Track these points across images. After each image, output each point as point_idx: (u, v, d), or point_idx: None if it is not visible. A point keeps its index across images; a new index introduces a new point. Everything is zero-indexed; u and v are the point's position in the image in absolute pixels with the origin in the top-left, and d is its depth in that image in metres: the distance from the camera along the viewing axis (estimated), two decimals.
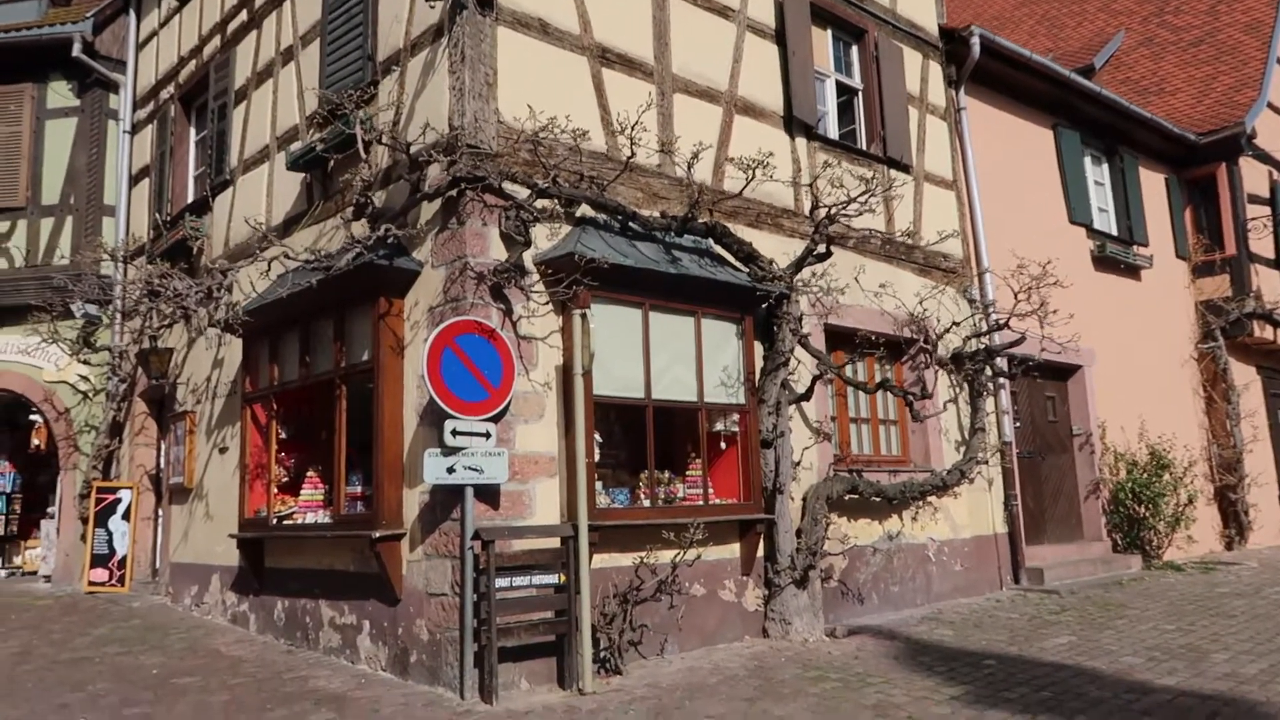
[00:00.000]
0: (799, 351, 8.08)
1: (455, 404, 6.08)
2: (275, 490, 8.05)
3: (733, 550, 7.62)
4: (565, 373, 6.69)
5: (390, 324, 6.83)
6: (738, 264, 7.91)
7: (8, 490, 13.36)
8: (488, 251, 6.52)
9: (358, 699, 6.08)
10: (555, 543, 6.36)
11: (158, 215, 10.93)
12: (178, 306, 8.62)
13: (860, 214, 7.93)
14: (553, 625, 6.26)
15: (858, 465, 8.88)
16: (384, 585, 6.68)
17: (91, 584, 10.95)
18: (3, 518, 13.24)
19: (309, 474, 7.98)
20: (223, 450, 9.12)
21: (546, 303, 6.74)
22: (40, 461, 13.02)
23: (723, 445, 7.78)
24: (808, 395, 8.11)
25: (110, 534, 11.01)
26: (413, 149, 6.62)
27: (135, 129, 12.09)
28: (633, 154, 6.88)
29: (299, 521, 7.72)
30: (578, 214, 7.06)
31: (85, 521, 11.16)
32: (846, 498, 8.38)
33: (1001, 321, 9.63)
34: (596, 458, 6.77)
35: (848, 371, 8.56)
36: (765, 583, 7.75)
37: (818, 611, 7.72)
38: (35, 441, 12.53)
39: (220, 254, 9.52)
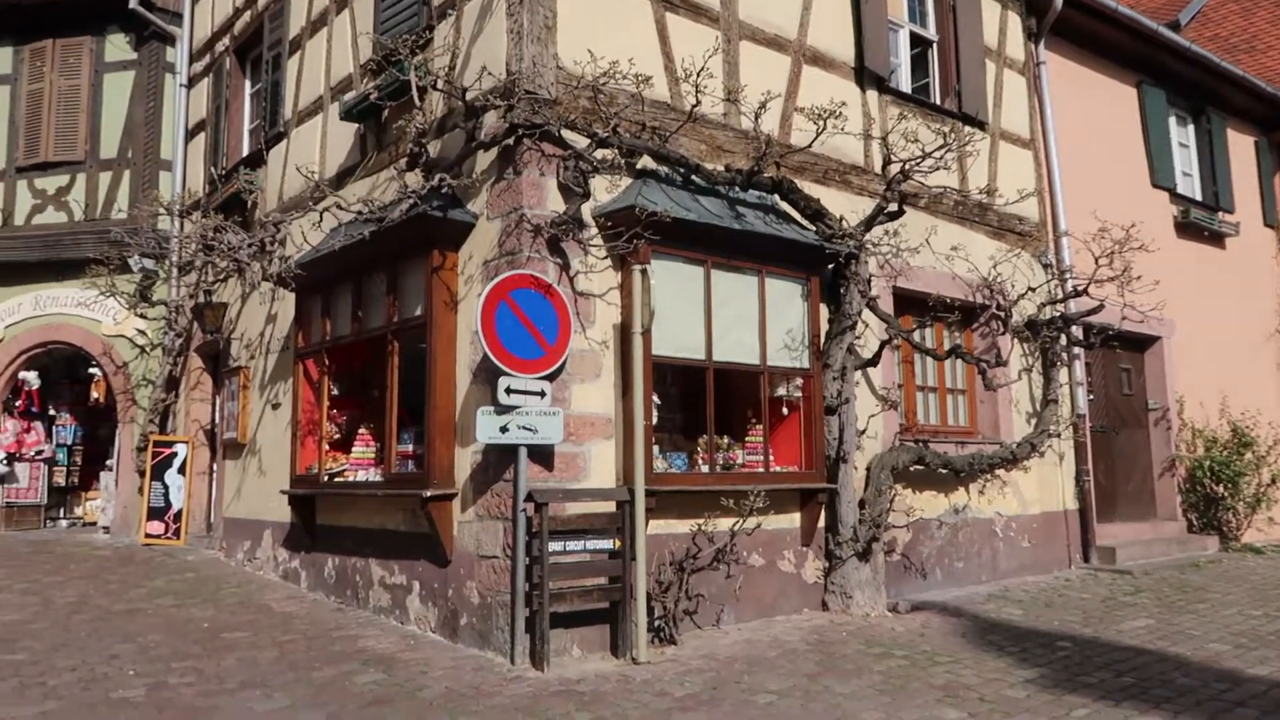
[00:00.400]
0: (866, 315, 7.72)
1: (510, 361, 5.86)
2: (327, 447, 7.94)
3: (793, 520, 7.34)
4: (623, 331, 6.43)
5: (443, 278, 6.62)
6: (804, 222, 7.55)
7: (69, 442, 13.52)
8: (545, 203, 6.26)
9: (406, 660, 5.94)
10: (610, 507, 6.13)
11: (213, 169, 10.84)
12: (231, 260, 8.52)
13: (935, 170, 7.50)
14: (606, 592, 6.05)
15: (924, 435, 8.52)
16: (434, 546, 6.52)
17: (148, 536, 11.04)
18: (64, 469, 13.40)
19: (361, 431, 7.85)
20: (275, 406, 9.04)
21: (605, 258, 6.46)
22: (100, 414, 13.15)
23: (784, 411, 7.47)
24: (875, 361, 7.76)
25: (166, 487, 11.07)
26: (469, 95, 6.36)
27: (191, 82, 12.00)
28: (697, 102, 6.54)
29: (350, 479, 7.60)
30: (638, 166, 6.76)
31: (142, 475, 11.24)
32: (912, 469, 8.04)
33: (1080, 288, 9.14)
34: (654, 420, 6.50)
35: (914, 338, 8.17)
36: (826, 554, 7.47)
37: (880, 585, 7.42)
38: (94, 395, 12.64)
39: (274, 207, 9.39)
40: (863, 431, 7.72)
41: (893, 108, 8.72)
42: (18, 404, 12.80)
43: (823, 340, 7.50)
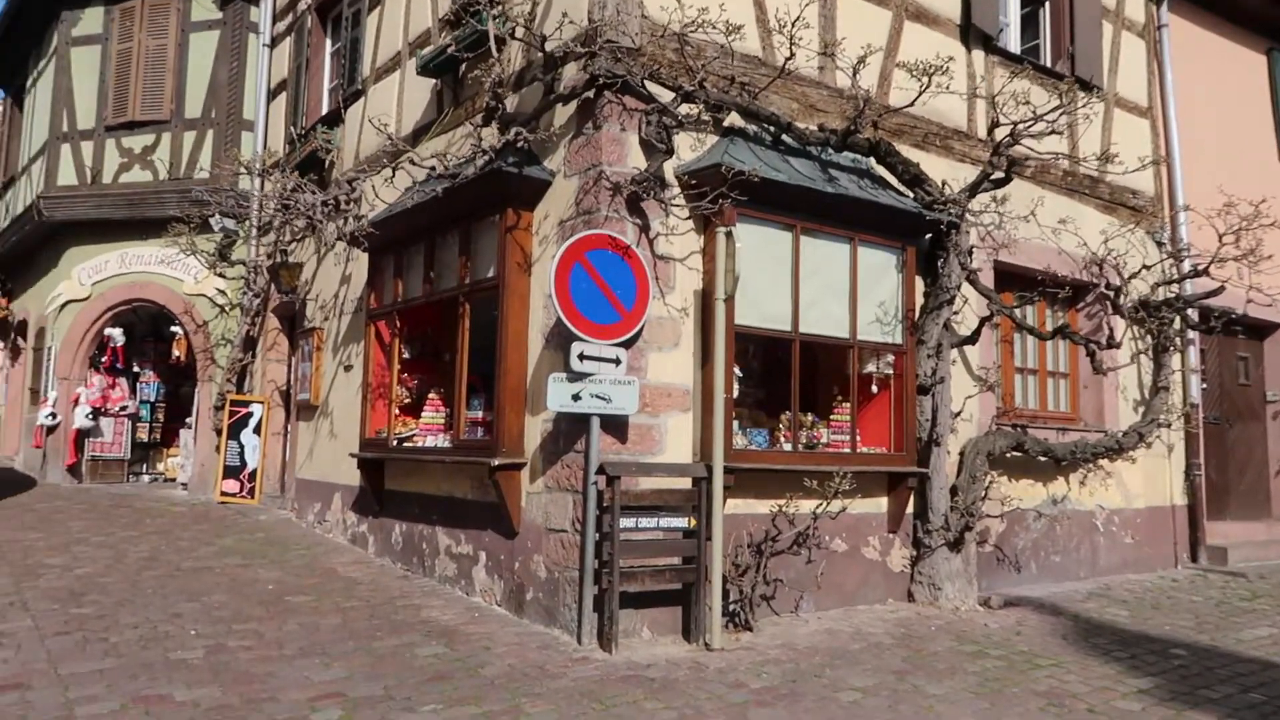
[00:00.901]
0: (965, 289, 7.20)
1: (584, 325, 5.54)
2: (396, 411, 7.77)
3: (879, 505, 6.91)
4: (705, 298, 6.05)
5: (517, 238, 6.32)
6: (901, 187, 7.05)
7: (152, 399, 13.73)
8: (625, 160, 5.90)
9: (469, 634, 5.71)
10: (686, 484, 5.79)
11: (292, 129, 10.75)
12: (306, 219, 8.38)
13: (1046, 134, 6.91)
14: (680, 573, 5.72)
15: (1021, 420, 7.97)
16: (502, 516, 6.28)
17: (223, 494, 11.10)
18: (147, 425, 13.62)
19: (431, 396, 7.64)
20: (348, 368, 8.92)
21: (687, 218, 6.09)
22: (181, 372, 13.30)
23: (873, 389, 7.02)
24: (973, 338, 7.24)
25: (242, 447, 11.10)
26: (548, 45, 6.02)
27: (274, 42, 11.91)
28: (791, 55, 6.09)
29: (419, 445, 7.41)
30: (725, 123, 6.35)
31: (219, 433, 11.30)
32: (1009, 455, 7.51)
33: (1200, 267, 8.43)
34: (735, 394, 6.13)
35: (1016, 315, 7.60)
36: (914, 542, 7.02)
37: (971, 578, 6.94)
38: (176, 353, 12.77)
39: (350, 167, 9.23)
40: (957, 413, 7.22)
41: (1000, 69, 8.12)
42: (104, 360, 13.01)
43: (917, 314, 7.01)
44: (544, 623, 5.85)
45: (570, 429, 5.82)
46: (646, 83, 5.89)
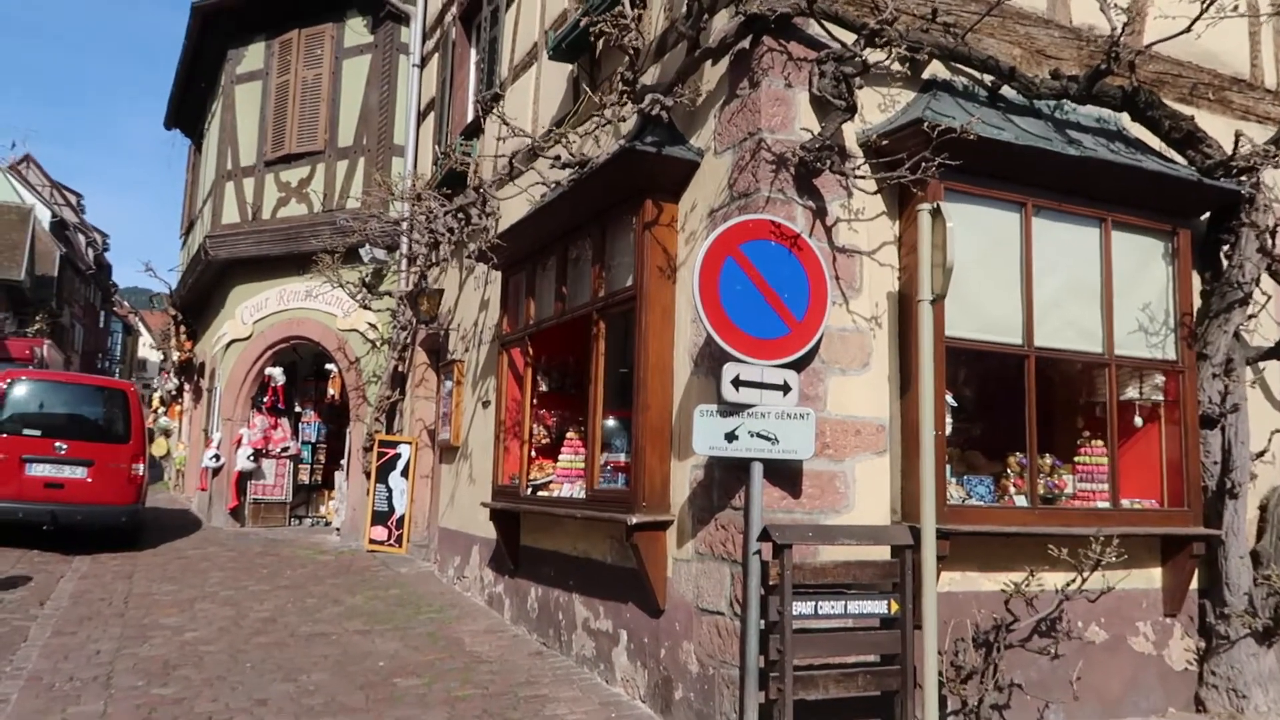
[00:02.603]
0: (1265, 284, 5.33)
1: (739, 341, 4.17)
2: (533, 454, 6.64)
3: (1150, 578, 5.11)
4: (903, 302, 4.56)
5: (658, 237, 5.04)
6: (1168, 151, 5.30)
7: (314, 439, 13.38)
8: (791, 123, 4.51)
9: None
10: (883, 554, 4.28)
11: (437, 147, 10.01)
12: (431, 235, 7.47)
13: None
14: (877, 676, 4.18)
15: None
16: (643, 588, 4.96)
17: (372, 542, 10.37)
18: (308, 467, 13.25)
19: (569, 435, 6.47)
20: (485, 404, 7.90)
21: (875, 192, 4.63)
22: (341, 412, 12.85)
23: (1137, 421, 5.26)
24: (1278, 351, 5.34)
25: (390, 491, 10.36)
26: None
27: (423, 62, 11.30)
28: None
29: (553, 494, 6.22)
30: (924, 76, 4.86)
31: (368, 476, 10.61)
32: None
33: None
34: (947, 430, 4.58)
35: None
36: (1202, 630, 5.16)
37: None
38: (331, 391, 12.31)
39: (490, 180, 8.27)
40: (1260, 454, 5.32)
41: None
42: (265, 400, 12.74)
43: (1196, 320, 5.21)
44: None
45: (725, 478, 4.44)
46: (820, 24, 4.50)
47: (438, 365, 10.03)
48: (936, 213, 4.20)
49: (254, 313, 12.52)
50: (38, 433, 9.81)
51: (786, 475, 4.31)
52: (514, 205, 7.00)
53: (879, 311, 4.60)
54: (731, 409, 4.17)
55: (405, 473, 10.28)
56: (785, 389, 4.22)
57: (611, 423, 5.66)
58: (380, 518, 10.38)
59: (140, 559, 9.71)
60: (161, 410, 17.75)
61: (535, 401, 6.72)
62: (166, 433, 17.46)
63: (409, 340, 10.56)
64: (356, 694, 5.16)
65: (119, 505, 10.00)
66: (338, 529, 11.64)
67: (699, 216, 4.91)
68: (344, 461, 11.81)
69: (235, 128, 12.84)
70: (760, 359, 4.20)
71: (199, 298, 15.20)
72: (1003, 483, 5.02)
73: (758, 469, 4.14)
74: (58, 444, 9.78)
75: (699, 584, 4.59)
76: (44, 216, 46.19)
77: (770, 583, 4.01)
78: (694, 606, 4.62)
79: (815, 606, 4.04)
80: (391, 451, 10.41)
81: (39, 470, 9.69)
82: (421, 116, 11.20)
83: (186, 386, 16.85)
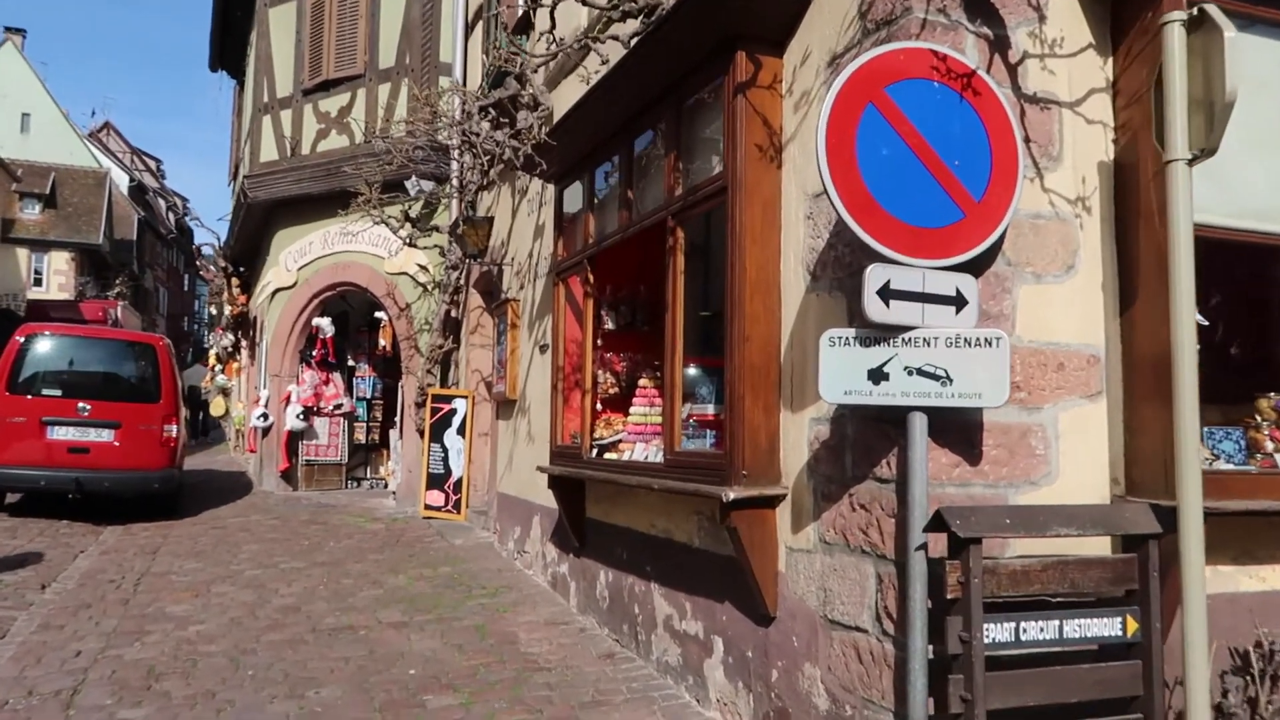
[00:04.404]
0: None
1: (889, 231, 2.77)
2: (597, 406, 5.36)
3: None
4: (1120, 175, 3.10)
5: (756, 104, 3.63)
6: None
7: (369, 396, 12.35)
8: None
9: None
10: (1100, 546, 2.87)
11: (485, 58, 8.67)
12: (478, 152, 6.18)
13: None
14: None
15: None
16: (745, 585, 3.64)
17: (428, 508, 9.30)
18: (364, 425, 12.24)
19: (641, 383, 5.16)
20: (543, 349, 6.64)
21: (1078, 14, 3.13)
22: (392, 364, 11.78)
23: None
24: None
25: (446, 451, 9.24)
26: None
27: None
28: None
29: (622, 456, 4.93)
30: None
31: (422, 435, 9.51)
32: None
33: None
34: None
35: None
36: None
37: None
38: (382, 342, 11.22)
39: (542, 82, 6.91)
40: None
41: None
42: (314, 354, 11.72)
43: None
44: None
45: (865, 435, 3.07)
46: None
47: (491, 308, 8.80)
48: (1192, 23, 2.70)
49: (298, 258, 11.47)
50: (59, 393, 8.93)
51: (958, 431, 2.92)
52: (566, 103, 5.64)
53: (1086, 190, 3.13)
54: (878, 334, 2.79)
55: (462, 430, 9.13)
56: (959, 302, 2.82)
57: (695, 368, 4.32)
58: (436, 480, 9.28)
59: (174, 530, 8.80)
60: (219, 368, 17.03)
61: (599, 342, 5.42)
62: (225, 391, 16.74)
63: (461, 281, 9.36)
64: (375, 716, 3.99)
65: (150, 470, 9.09)
66: (393, 493, 10.62)
67: (813, 70, 3.49)
68: (397, 419, 10.74)
69: (271, 57, 11.70)
70: (921, 258, 2.79)
71: (246, 247, 14.27)
72: (1251, 435, 3.53)
73: (919, 423, 2.76)
74: (81, 405, 8.89)
75: (826, 585, 3.25)
76: (122, 181, 46.57)
77: (946, 592, 2.64)
78: (819, 616, 3.29)
79: (1016, 628, 2.66)
80: (446, 407, 9.26)
81: (61, 434, 8.81)
82: (469, 28, 9.86)
83: (243, 342, 16.03)
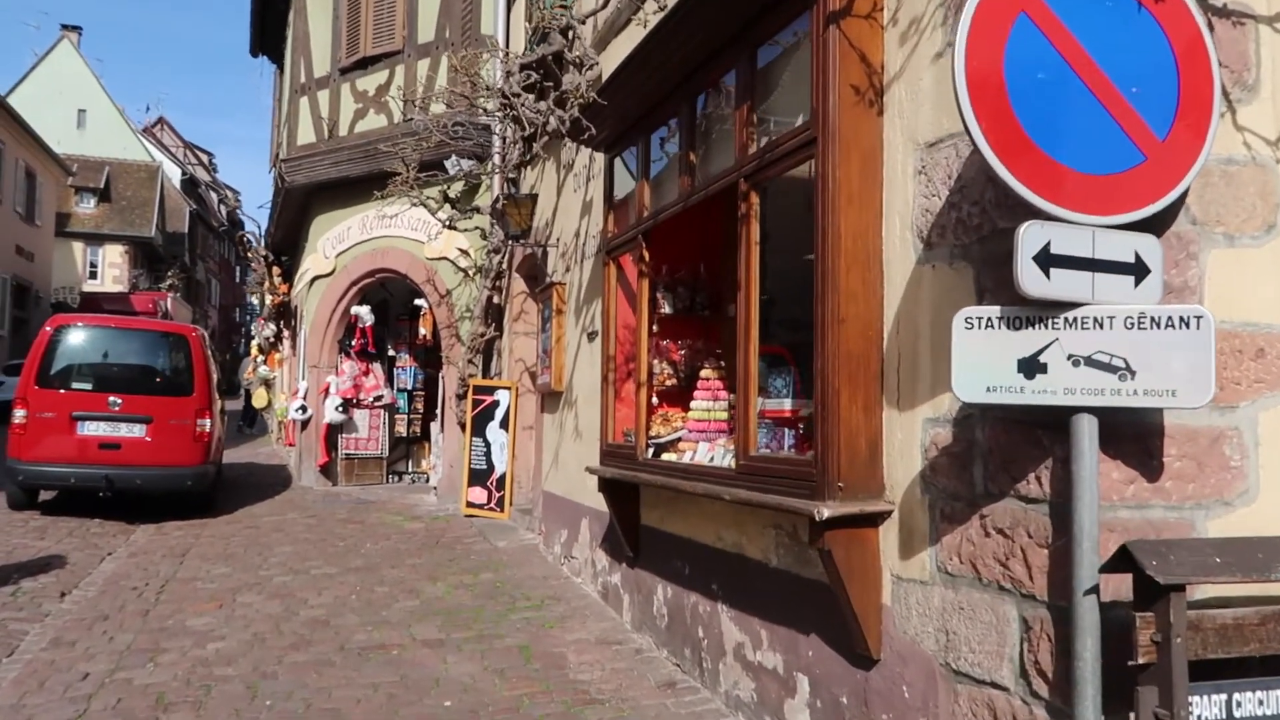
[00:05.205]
0: None
1: (1048, 177, 2.13)
2: (653, 400, 4.76)
3: None
4: None
5: (851, 36, 2.99)
6: None
7: (409, 387, 11.87)
8: None
9: None
10: None
11: (527, 25, 8.09)
12: (520, 122, 5.60)
13: None
14: None
15: None
16: (839, 616, 3.02)
17: (469, 505, 8.78)
18: (405, 418, 11.76)
19: (704, 374, 4.55)
20: (592, 336, 6.06)
21: None
22: (434, 354, 11.29)
23: None
24: None
25: (488, 445, 8.70)
26: None
27: None
28: None
29: (682, 457, 4.32)
30: None
31: (463, 428, 8.99)
32: None
33: None
34: None
35: None
36: None
37: None
38: (422, 330, 10.72)
39: (591, 43, 6.31)
40: None
41: None
42: (353, 344, 11.27)
43: None
44: None
45: (1003, 441, 2.43)
46: None
47: (536, 293, 8.24)
48: None
49: (336, 245, 11.02)
50: (89, 386, 8.55)
51: (1133, 437, 2.26)
52: (617, 63, 5.03)
53: None
54: (1033, 313, 2.16)
55: (505, 424, 8.59)
56: (1138, 271, 2.17)
57: (772, 355, 3.70)
58: (478, 477, 8.76)
59: (207, 529, 8.39)
60: (260, 359, 16.74)
61: (655, 329, 4.82)
62: (267, 383, 16.44)
63: (503, 265, 8.80)
64: None
65: (184, 467, 8.68)
66: (435, 488, 10.13)
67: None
68: (438, 411, 10.24)
69: (308, 35, 11.25)
70: (1090, 213, 2.14)
71: (287, 234, 13.88)
72: None
73: (1089, 428, 2.12)
74: (112, 399, 8.49)
75: (949, 626, 2.62)
76: (174, 175, 47.00)
77: (1138, 656, 1.99)
78: (938, 663, 2.66)
79: (1228, 702, 2.01)
80: (489, 399, 8.73)
81: (91, 429, 8.43)
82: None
83: (285, 332, 15.69)
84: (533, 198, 7.31)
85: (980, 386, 2.19)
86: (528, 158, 7.39)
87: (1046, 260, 2.09)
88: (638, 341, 4.79)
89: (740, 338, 3.54)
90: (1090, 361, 2.11)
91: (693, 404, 4.51)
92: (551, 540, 7.02)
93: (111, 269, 38.20)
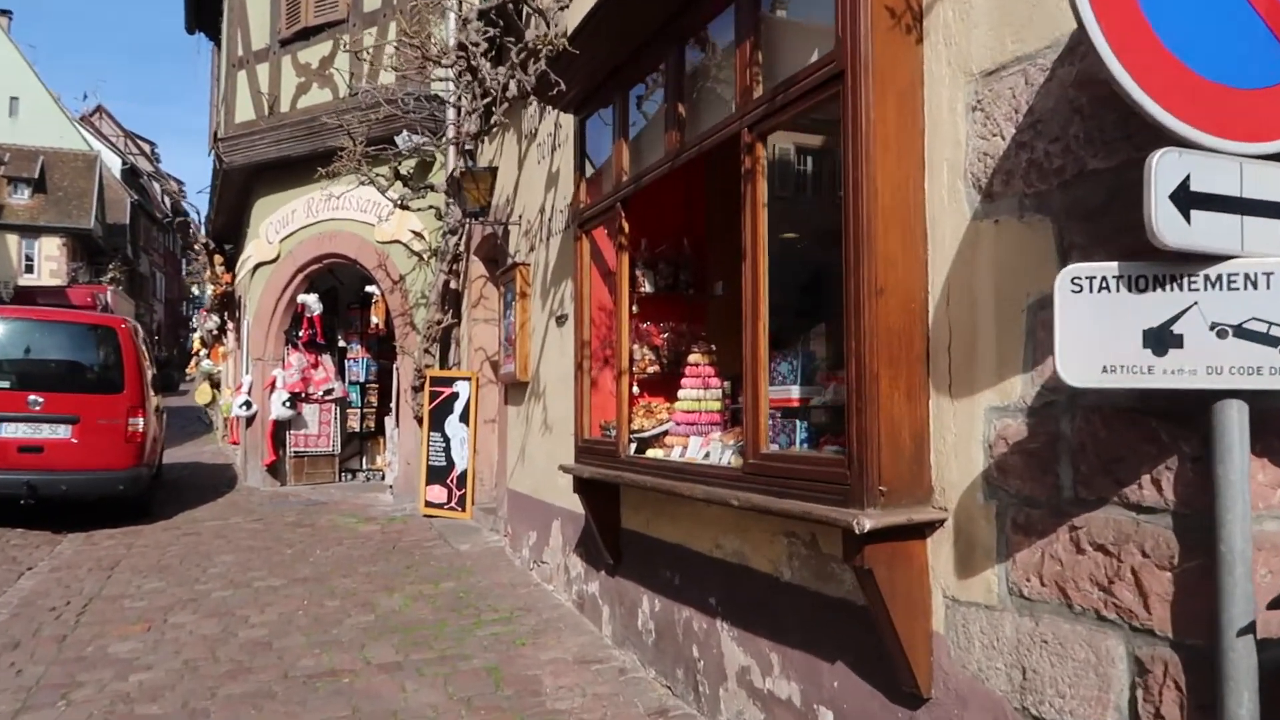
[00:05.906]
0: None
1: (1182, 91, 1.62)
2: (634, 389, 4.24)
3: None
4: None
5: None
6: None
7: (362, 379, 11.21)
8: None
9: None
10: None
11: None
12: (470, 68, 5.02)
13: None
14: None
15: None
16: (873, 642, 2.52)
17: (428, 505, 8.21)
18: (358, 413, 11.11)
19: (691, 359, 4.03)
20: (561, 320, 5.52)
21: None
22: (387, 345, 10.65)
23: None
24: None
25: (447, 440, 8.13)
26: None
27: None
28: None
29: (669, 454, 3.80)
30: None
31: (420, 422, 8.40)
32: None
33: None
34: None
35: None
36: None
37: None
38: (374, 319, 10.09)
39: None
40: None
41: None
42: (300, 334, 10.59)
43: None
44: None
45: (1104, 433, 1.94)
46: None
47: (497, 276, 7.66)
48: None
49: (280, 229, 10.32)
50: (6, 384, 7.82)
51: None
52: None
53: None
54: (1162, 270, 1.66)
55: (465, 417, 8.02)
56: None
57: (783, 333, 3.19)
58: (437, 474, 8.18)
59: (141, 536, 7.72)
60: (204, 353, 15.93)
61: (636, 310, 4.29)
62: (210, 378, 15.63)
63: (461, 247, 8.22)
64: None
65: (114, 470, 7.99)
66: (390, 487, 9.53)
67: None
68: (393, 405, 9.63)
69: (244, 6, 10.52)
70: (1236, 139, 1.65)
71: (228, 219, 13.12)
72: None
73: (1238, 416, 1.63)
74: (32, 397, 7.77)
75: (1026, 662, 2.13)
76: (114, 164, 45.37)
77: None
78: (1011, 707, 2.17)
79: None
80: (447, 391, 8.15)
81: (10, 431, 7.72)
82: None
83: (229, 324, 14.92)
84: (492, 171, 6.72)
85: (1094, 367, 1.70)
86: (486, 127, 6.80)
87: (1186, 199, 1.60)
88: (615, 325, 4.25)
89: (746, 315, 3.02)
90: (1241, 331, 1.62)
91: (680, 393, 3.99)
92: (519, 543, 6.47)
93: (49, 262, 36.73)
